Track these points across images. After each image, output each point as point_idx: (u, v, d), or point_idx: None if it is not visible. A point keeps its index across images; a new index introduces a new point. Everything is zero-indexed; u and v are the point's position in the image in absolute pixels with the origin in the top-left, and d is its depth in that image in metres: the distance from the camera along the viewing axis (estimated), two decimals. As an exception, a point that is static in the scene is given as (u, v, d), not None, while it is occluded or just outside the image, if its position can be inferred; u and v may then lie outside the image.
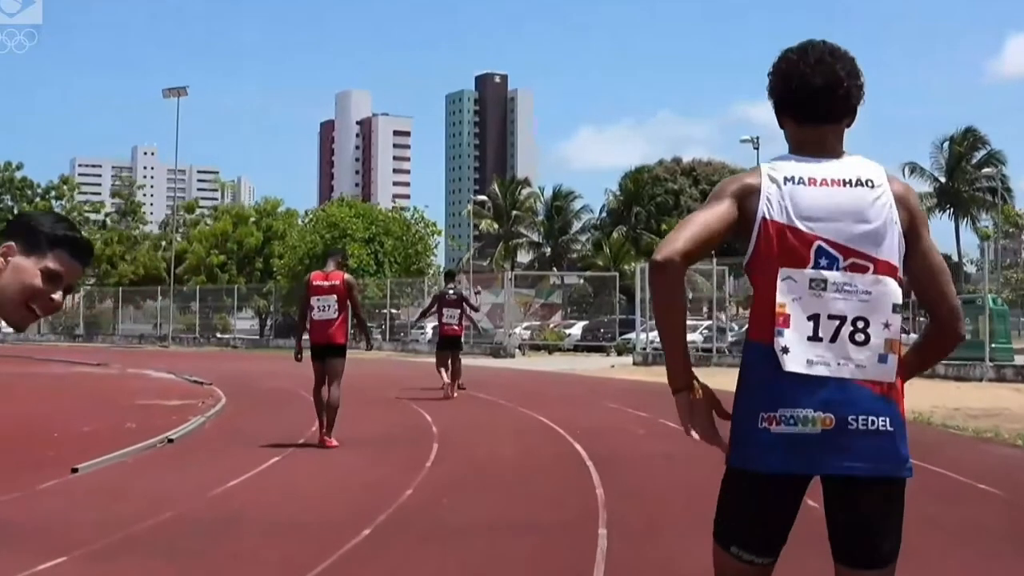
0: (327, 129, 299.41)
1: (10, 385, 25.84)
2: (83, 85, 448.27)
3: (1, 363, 37.93)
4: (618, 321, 52.93)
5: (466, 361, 25.09)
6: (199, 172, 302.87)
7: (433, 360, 23.38)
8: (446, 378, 22.01)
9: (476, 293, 64.34)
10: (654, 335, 44.91)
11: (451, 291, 23.21)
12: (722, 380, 4.71)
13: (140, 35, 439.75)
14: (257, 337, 67.47)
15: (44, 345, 63.72)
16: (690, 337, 38.95)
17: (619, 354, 48.99)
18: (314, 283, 13.96)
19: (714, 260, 39.57)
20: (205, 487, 10.48)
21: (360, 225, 58.44)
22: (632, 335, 52.25)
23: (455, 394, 22.01)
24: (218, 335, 66.44)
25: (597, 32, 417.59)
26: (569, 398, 22.63)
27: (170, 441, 14.17)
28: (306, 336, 14.24)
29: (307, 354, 14.23)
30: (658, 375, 25.79)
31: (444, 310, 22.60)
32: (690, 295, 61.73)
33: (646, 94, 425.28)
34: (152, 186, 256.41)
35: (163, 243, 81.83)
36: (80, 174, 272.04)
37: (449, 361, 22.33)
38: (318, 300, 13.76)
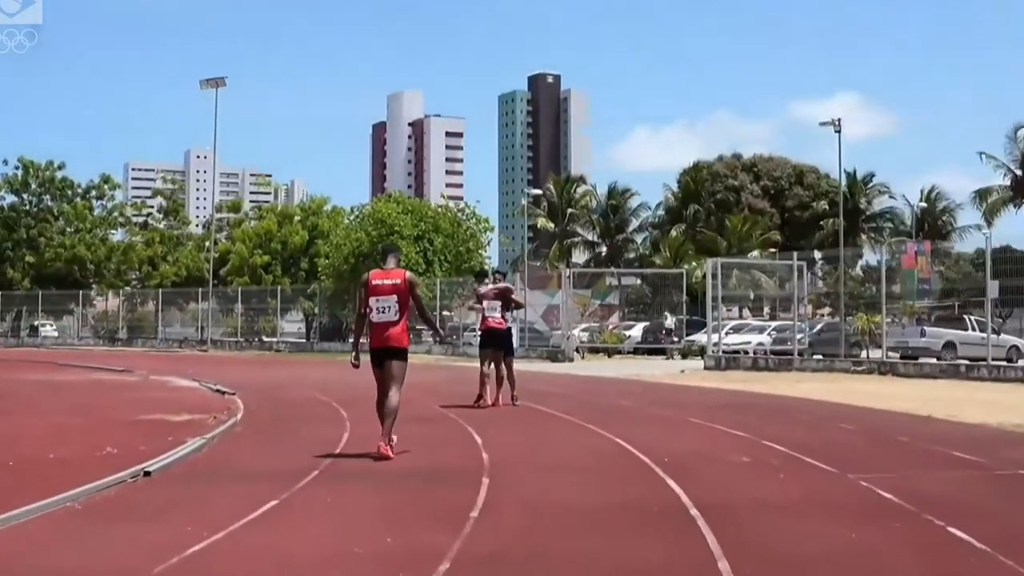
0: (379, 131, 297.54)
1: (6, 394, 23.01)
2: (136, 89, 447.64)
3: (19, 368, 35.68)
4: (685, 322, 49.86)
5: (521, 366, 22.07)
6: (252, 175, 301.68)
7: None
8: (488, 390, 19.40)
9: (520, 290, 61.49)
10: (729, 338, 42.35)
11: (488, 284, 20.32)
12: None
13: (193, 39, 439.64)
14: (302, 340, 64.50)
15: (80, 349, 61.40)
16: (758, 339, 36.08)
17: (683, 357, 46.16)
18: (373, 282, 12.87)
19: (795, 256, 36.22)
20: (158, 554, 7.36)
21: (409, 222, 55.29)
22: (696, 336, 49.38)
23: (502, 403, 19.36)
24: (262, 339, 63.65)
25: (650, 31, 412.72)
26: (643, 412, 19.41)
27: (147, 474, 11.17)
28: (364, 340, 13.11)
29: (365, 358, 12.99)
30: (737, 382, 22.03)
31: (484, 303, 19.83)
32: (751, 295, 58.79)
33: (701, 94, 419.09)
34: (205, 189, 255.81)
35: (207, 244, 79.09)
36: (133, 178, 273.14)
37: (491, 364, 19.58)
38: (378, 301, 12.76)
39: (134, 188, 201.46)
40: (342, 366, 15.20)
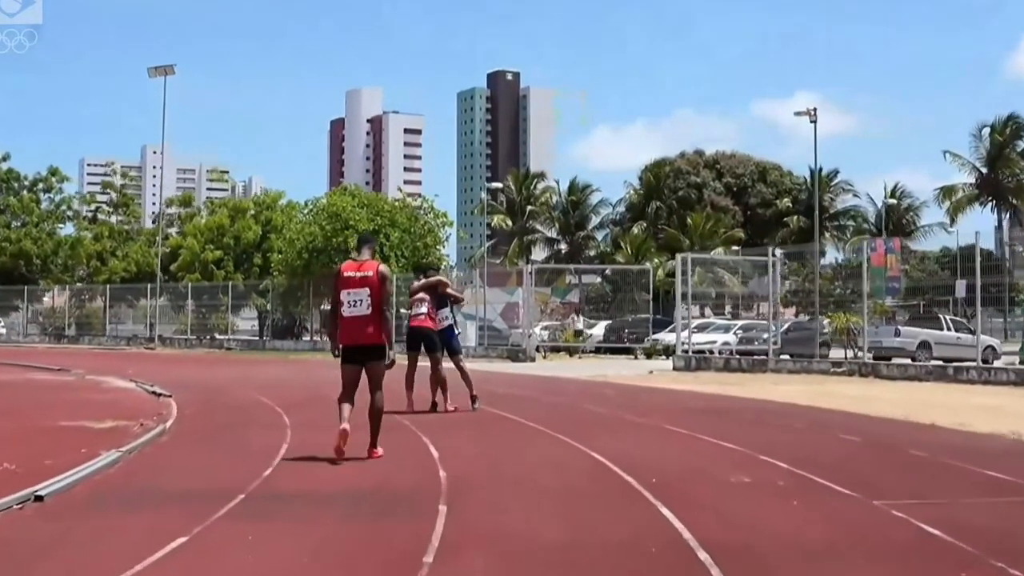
0: (337, 127, 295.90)
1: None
2: (91, 84, 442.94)
3: None
4: (651, 321, 48.41)
5: (480, 365, 20.31)
6: (208, 171, 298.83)
7: (451, 364, 18.28)
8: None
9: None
10: (694, 337, 40.85)
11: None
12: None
13: (148, 33, 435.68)
14: (255, 339, 62.49)
15: (24, 347, 59.24)
16: (723, 339, 34.53)
17: (648, 357, 44.73)
18: (344, 274, 12.27)
19: (770, 250, 34.69)
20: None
21: (364, 216, 53.34)
22: (661, 335, 47.86)
23: (450, 407, 17.88)
24: (214, 336, 61.63)
25: (609, 30, 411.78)
26: (617, 419, 17.62)
27: (39, 499, 9.36)
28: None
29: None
30: (711, 384, 20.19)
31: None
32: (713, 292, 57.30)
33: (662, 93, 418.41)
34: (161, 185, 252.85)
35: (158, 238, 76.87)
36: (89, 174, 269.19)
37: (415, 369, 18.16)
38: (349, 294, 12.12)
39: (90, 184, 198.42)
40: (293, 365, 13.73)
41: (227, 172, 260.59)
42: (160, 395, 21.66)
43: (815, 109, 42.08)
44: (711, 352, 38.12)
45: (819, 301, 41.11)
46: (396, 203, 57.49)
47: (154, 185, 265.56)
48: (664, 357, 45.27)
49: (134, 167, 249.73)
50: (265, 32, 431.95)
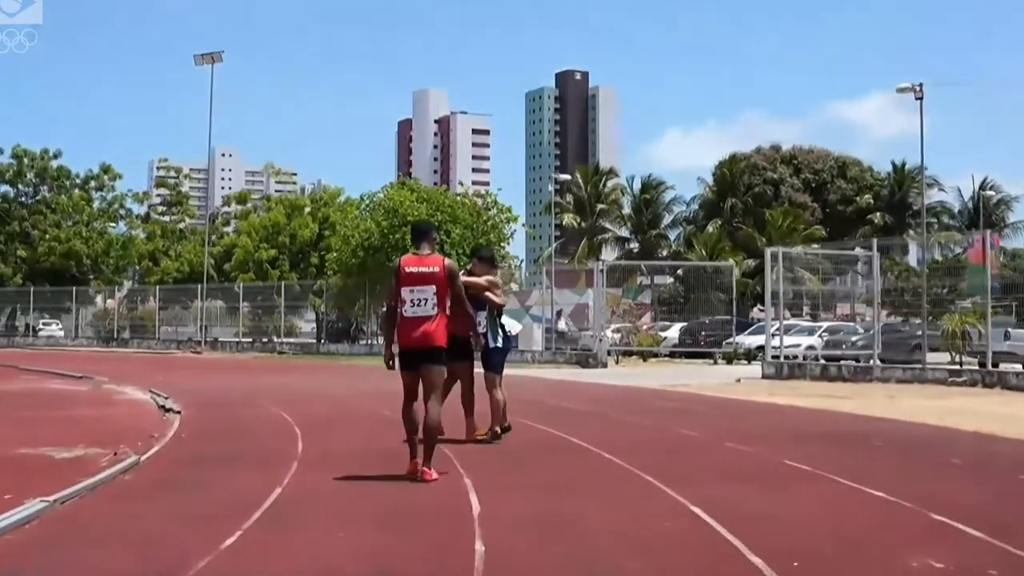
0: (404, 128, 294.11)
1: None
2: (164, 87, 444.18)
3: None
4: (735, 324, 44.85)
5: (547, 373, 16.79)
6: (266, 167, 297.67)
7: (519, 372, 14.63)
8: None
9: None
10: (792, 339, 37.13)
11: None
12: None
13: (215, 38, 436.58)
14: (311, 342, 59.23)
15: (68, 351, 56.64)
16: (808, 342, 30.83)
17: (729, 362, 41.21)
18: (406, 270, 11.02)
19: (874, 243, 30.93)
20: None
21: (424, 211, 49.99)
22: (742, 338, 44.34)
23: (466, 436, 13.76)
24: (268, 339, 58.55)
25: (680, 31, 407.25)
26: (718, 448, 13.76)
27: None
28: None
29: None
30: (813, 397, 14.92)
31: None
32: (790, 292, 53.42)
33: (732, 94, 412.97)
34: (230, 188, 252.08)
35: (211, 237, 74.05)
36: (158, 176, 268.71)
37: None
38: (412, 292, 10.92)
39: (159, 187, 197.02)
40: (341, 372, 10.84)
41: (295, 174, 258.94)
42: (168, 411, 18.64)
43: (920, 85, 38.19)
44: (794, 357, 34.35)
45: (914, 301, 37.72)
46: (458, 198, 54.01)
47: (222, 187, 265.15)
48: (746, 362, 41.84)
49: (202, 169, 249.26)
50: (332, 33, 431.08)
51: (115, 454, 12.53)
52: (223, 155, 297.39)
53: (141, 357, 49.01)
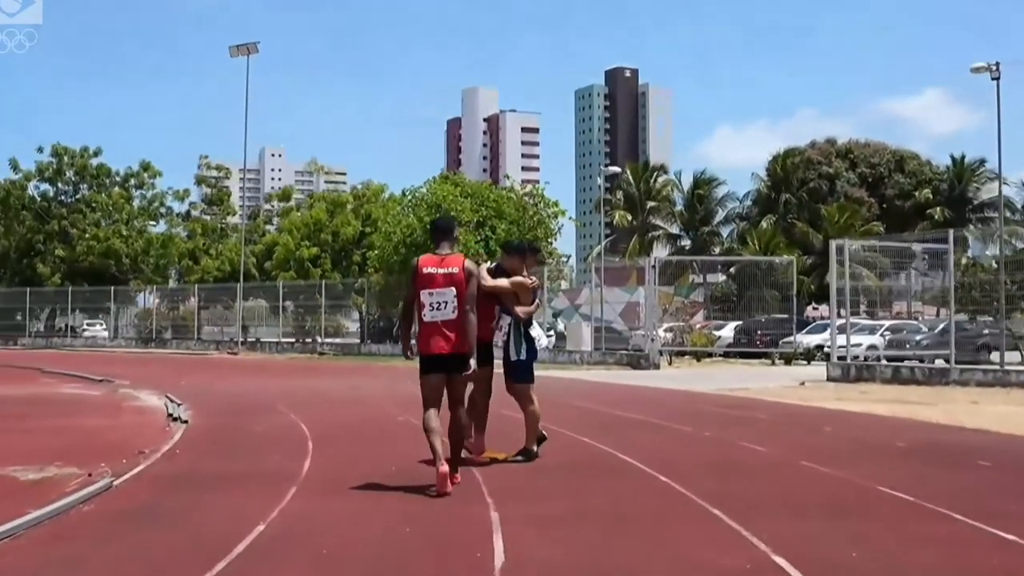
0: (454, 127, 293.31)
1: None
2: (213, 87, 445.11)
3: None
4: (795, 322, 42.80)
5: (597, 376, 14.87)
6: (326, 174, 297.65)
7: (567, 374, 12.69)
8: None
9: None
10: (853, 339, 34.94)
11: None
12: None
13: (267, 36, 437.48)
14: (354, 342, 57.39)
15: (104, 352, 55.26)
16: (869, 341, 28.62)
17: (787, 362, 39.20)
18: (424, 271, 10.16)
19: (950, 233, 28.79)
20: None
21: (468, 206, 48.06)
22: (799, 337, 42.30)
23: (477, 456, 11.63)
24: (309, 339, 56.87)
25: (731, 27, 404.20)
26: (792, 467, 11.61)
27: None
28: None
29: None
30: (892, 403, 12.98)
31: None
32: (845, 285, 51.20)
33: (785, 91, 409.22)
34: (279, 188, 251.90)
35: (253, 235, 72.41)
36: (212, 177, 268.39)
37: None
38: (431, 295, 10.06)
39: (217, 189, 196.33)
40: (375, 374, 9.90)
41: (344, 174, 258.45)
42: (176, 420, 17.02)
43: (997, 64, 35.88)
44: (854, 357, 32.16)
45: (983, 298, 35.78)
46: (503, 192, 52.01)
47: (272, 188, 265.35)
48: (805, 362, 39.84)
49: (252, 170, 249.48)
50: (381, 32, 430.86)
51: (89, 475, 10.87)
52: (272, 155, 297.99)
53: (176, 358, 47.45)
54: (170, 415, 17.58)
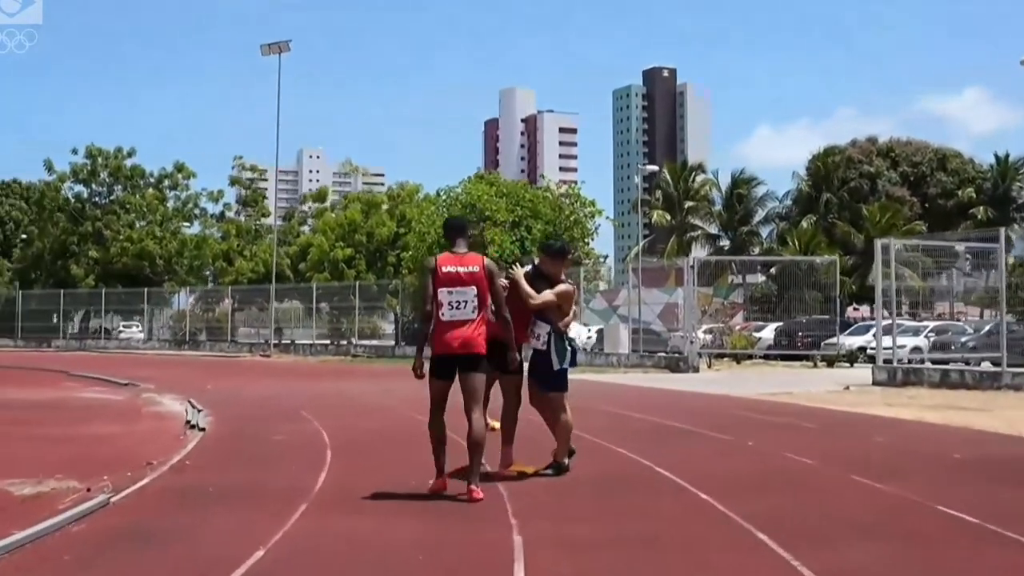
0: (491, 128, 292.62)
1: None
2: (252, 89, 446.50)
3: (12, 379, 29.15)
4: (838, 323, 41.81)
5: (635, 379, 14.04)
6: (364, 175, 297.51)
7: (603, 377, 11.78)
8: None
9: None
10: (904, 340, 33.97)
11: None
12: None
13: (303, 38, 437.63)
14: (388, 344, 56.72)
15: (135, 354, 54.80)
16: (912, 343, 27.58)
17: (830, 365, 38.30)
18: (443, 269, 9.80)
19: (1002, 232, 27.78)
20: None
21: (503, 206, 47.34)
22: (841, 339, 41.30)
23: (503, 471, 10.86)
24: (342, 342, 56.22)
25: (769, 27, 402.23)
26: (843, 482, 10.70)
27: None
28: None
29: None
30: (947, 410, 12.00)
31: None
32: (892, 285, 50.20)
33: (825, 91, 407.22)
34: (317, 189, 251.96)
35: (289, 237, 71.89)
36: (245, 178, 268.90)
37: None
38: (451, 293, 9.77)
39: (255, 191, 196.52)
40: (405, 378, 8.21)
41: (382, 175, 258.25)
42: (193, 427, 16.29)
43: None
44: (899, 360, 31.12)
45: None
46: (539, 192, 51.22)
47: (309, 189, 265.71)
48: (848, 364, 38.89)
49: (290, 171, 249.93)
50: (418, 33, 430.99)
51: (88, 490, 10.15)
52: (310, 156, 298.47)
53: (207, 361, 46.93)
54: (188, 422, 16.87)
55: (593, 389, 24.34)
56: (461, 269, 9.83)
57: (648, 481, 10.76)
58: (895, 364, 26.99)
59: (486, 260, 10.02)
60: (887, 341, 28.12)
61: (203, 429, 15.93)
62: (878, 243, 29.02)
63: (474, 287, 9.80)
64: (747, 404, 20.99)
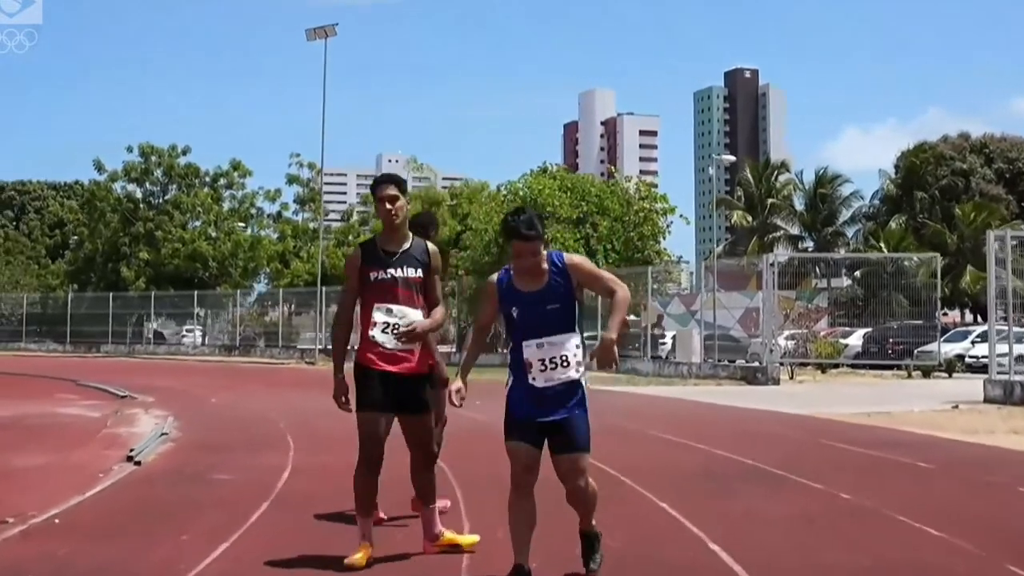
0: (571, 130, 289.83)
1: None
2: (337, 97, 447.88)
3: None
4: (939, 329, 37.96)
5: (706, 394, 11.05)
6: (444, 179, 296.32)
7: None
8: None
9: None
10: (977, 348, 29.98)
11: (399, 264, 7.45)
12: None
13: (381, 42, 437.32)
14: (444, 349, 53.22)
15: (176, 359, 51.88)
16: (1017, 351, 23.84)
17: (925, 375, 34.53)
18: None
19: None
20: None
21: (567, 201, 43.78)
22: (934, 347, 37.35)
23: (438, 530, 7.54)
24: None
25: (854, 25, 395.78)
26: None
27: None
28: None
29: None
30: None
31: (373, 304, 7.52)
32: (1008, 284, 46.28)
33: (913, 91, 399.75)
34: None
35: (348, 237, 68.73)
36: (326, 183, 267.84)
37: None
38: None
39: (327, 193, 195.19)
40: None
41: (463, 179, 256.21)
42: (131, 460, 12.82)
43: None
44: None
45: None
46: (606, 186, 47.57)
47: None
48: (946, 375, 34.98)
49: (368, 175, 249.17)
50: (496, 35, 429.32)
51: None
52: (389, 161, 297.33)
53: (248, 368, 43.80)
54: (130, 452, 13.32)
55: (652, 407, 20.99)
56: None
57: (695, 571, 7.00)
58: (1011, 377, 22.90)
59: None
60: (1002, 349, 24.03)
61: (139, 463, 12.50)
62: (991, 234, 24.90)
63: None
64: (838, 429, 16.90)
